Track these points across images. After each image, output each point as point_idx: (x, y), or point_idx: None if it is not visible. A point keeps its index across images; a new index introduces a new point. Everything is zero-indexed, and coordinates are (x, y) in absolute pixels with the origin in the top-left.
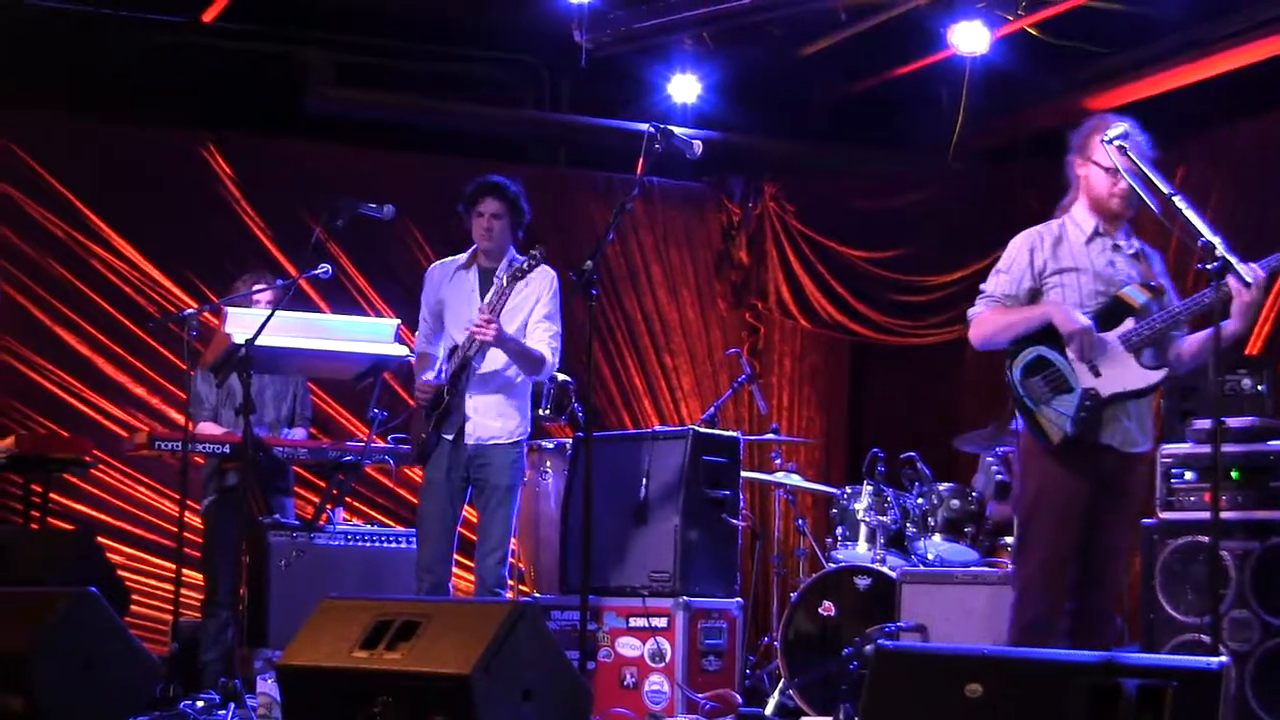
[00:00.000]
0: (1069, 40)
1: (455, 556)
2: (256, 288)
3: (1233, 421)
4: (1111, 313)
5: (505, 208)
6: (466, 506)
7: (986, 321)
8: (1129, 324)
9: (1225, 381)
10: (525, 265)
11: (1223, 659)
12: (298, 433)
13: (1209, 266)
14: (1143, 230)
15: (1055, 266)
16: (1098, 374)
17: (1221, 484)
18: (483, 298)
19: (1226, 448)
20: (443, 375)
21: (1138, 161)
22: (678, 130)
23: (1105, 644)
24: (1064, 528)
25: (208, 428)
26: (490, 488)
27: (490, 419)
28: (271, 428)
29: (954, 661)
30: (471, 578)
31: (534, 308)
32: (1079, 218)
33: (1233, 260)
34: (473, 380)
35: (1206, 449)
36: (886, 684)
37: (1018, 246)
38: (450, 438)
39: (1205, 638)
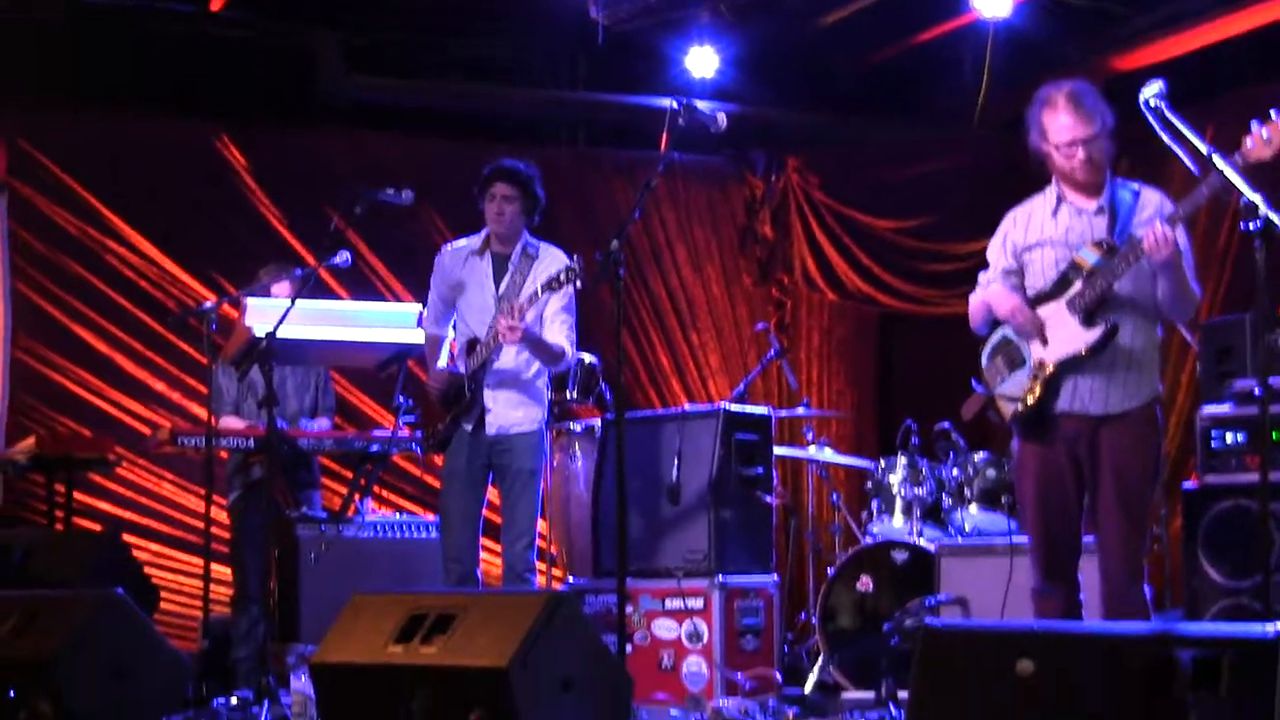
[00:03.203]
0: (1093, 1)
1: (482, 541)
2: (273, 280)
3: (1274, 381)
4: (1067, 278)
5: (517, 191)
6: (490, 489)
7: (970, 308)
8: (1075, 287)
9: (1265, 340)
10: (563, 277)
11: (1278, 627)
12: (321, 423)
13: (1251, 226)
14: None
15: (1025, 243)
16: (1046, 343)
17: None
18: (496, 285)
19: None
20: (460, 368)
21: (1174, 121)
22: (700, 104)
23: (1112, 616)
24: (1041, 499)
25: (230, 421)
26: (513, 472)
27: (510, 409)
28: (293, 419)
29: (1003, 638)
30: (499, 563)
31: (550, 299)
32: (1050, 189)
33: (1275, 217)
34: (490, 372)
35: (1247, 410)
36: (935, 663)
37: (998, 230)
38: (470, 428)
39: (1249, 602)
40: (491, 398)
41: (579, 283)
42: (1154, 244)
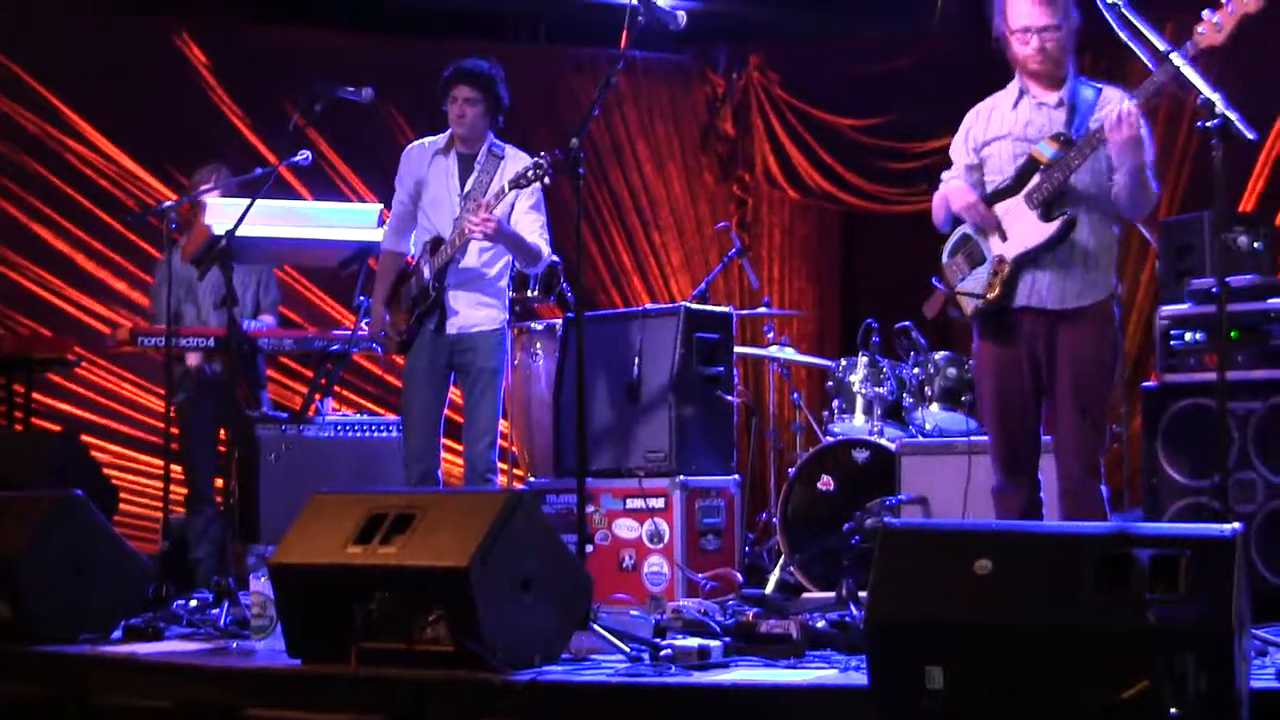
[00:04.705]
0: None
1: (444, 441)
2: (204, 187)
3: (1231, 280)
4: (1026, 172)
5: (479, 93)
6: (452, 390)
7: (933, 205)
8: (1034, 181)
9: (1222, 239)
10: (531, 174)
11: (1236, 526)
12: (265, 319)
13: (1209, 124)
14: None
15: (985, 138)
16: (1005, 238)
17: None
18: (461, 185)
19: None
20: (424, 268)
21: (1133, 19)
22: (660, 1)
23: (1068, 515)
24: (1000, 398)
25: (162, 329)
26: (476, 371)
27: (471, 308)
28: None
29: (962, 538)
30: (461, 462)
31: (517, 198)
32: (1013, 84)
33: (1232, 116)
34: (453, 272)
35: (1205, 309)
36: (894, 563)
37: (961, 126)
38: (432, 327)
39: (1209, 500)
40: (454, 297)
41: (547, 179)
42: (1115, 122)
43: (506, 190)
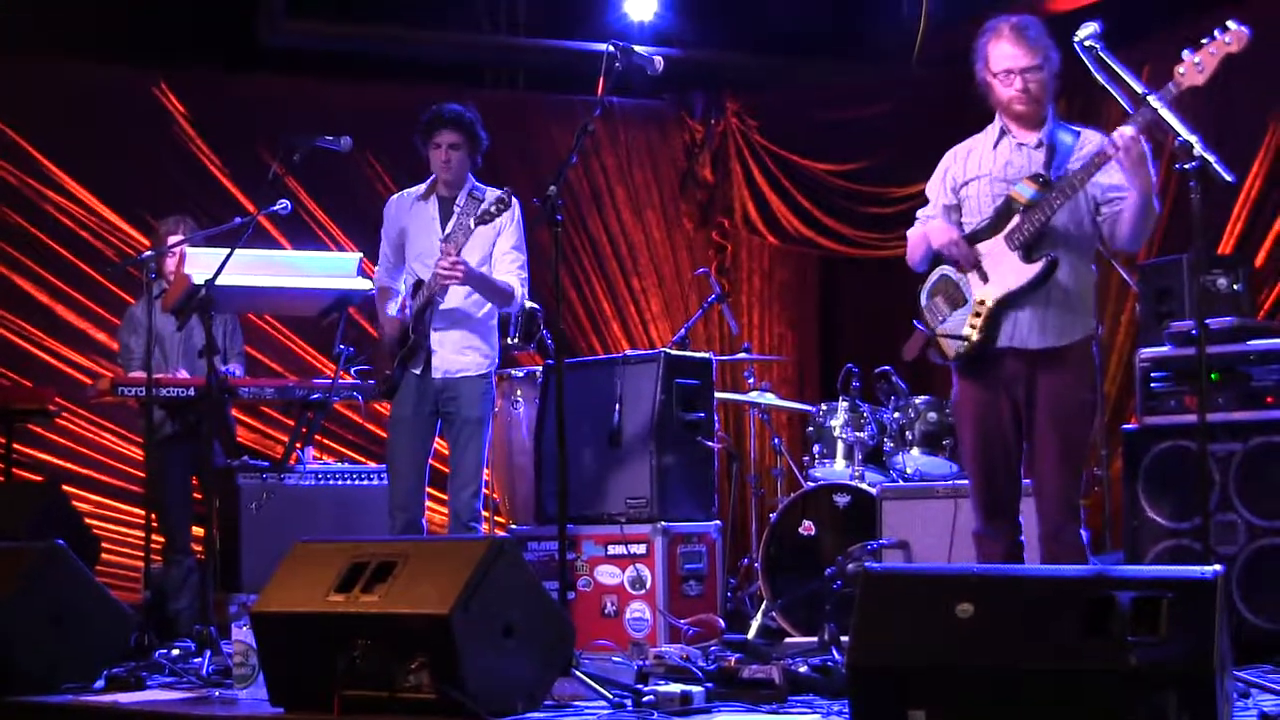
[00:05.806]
0: None
1: (428, 490)
2: (172, 240)
3: (1211, 322)
4: (1005, 213)
5: (463, 137)
6: (437, 439)
7: (908, 245)
8: (1014, 222)
9: (1201, 281)
10: (493, 209)
11: (1217, 568)
12: (233, 368)
13: (1187, 166)
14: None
15: (964, 178)
16: (986, 280)
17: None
18: (443, 228)
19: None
20: (407, 312)
21: (1109, 61)
22: (637, 47)
23: (1048, 559)
24: (981, 441)
25: (139, 378)
26: (460, 420)
27: (456, 353)
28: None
29: (944, 582)
30: (445, 511)
31: (497, 239)
32: (993, 125)
33: (1210, 158)
34: (436, 315)
35: (1185, 351)
36: (875, 607)
37: (939, 165)
38: (417, 372)
39: (1190, 542)
40: (438, 340)
41: (517, 213)
42: (1120, 144)
43: (473, 228)
